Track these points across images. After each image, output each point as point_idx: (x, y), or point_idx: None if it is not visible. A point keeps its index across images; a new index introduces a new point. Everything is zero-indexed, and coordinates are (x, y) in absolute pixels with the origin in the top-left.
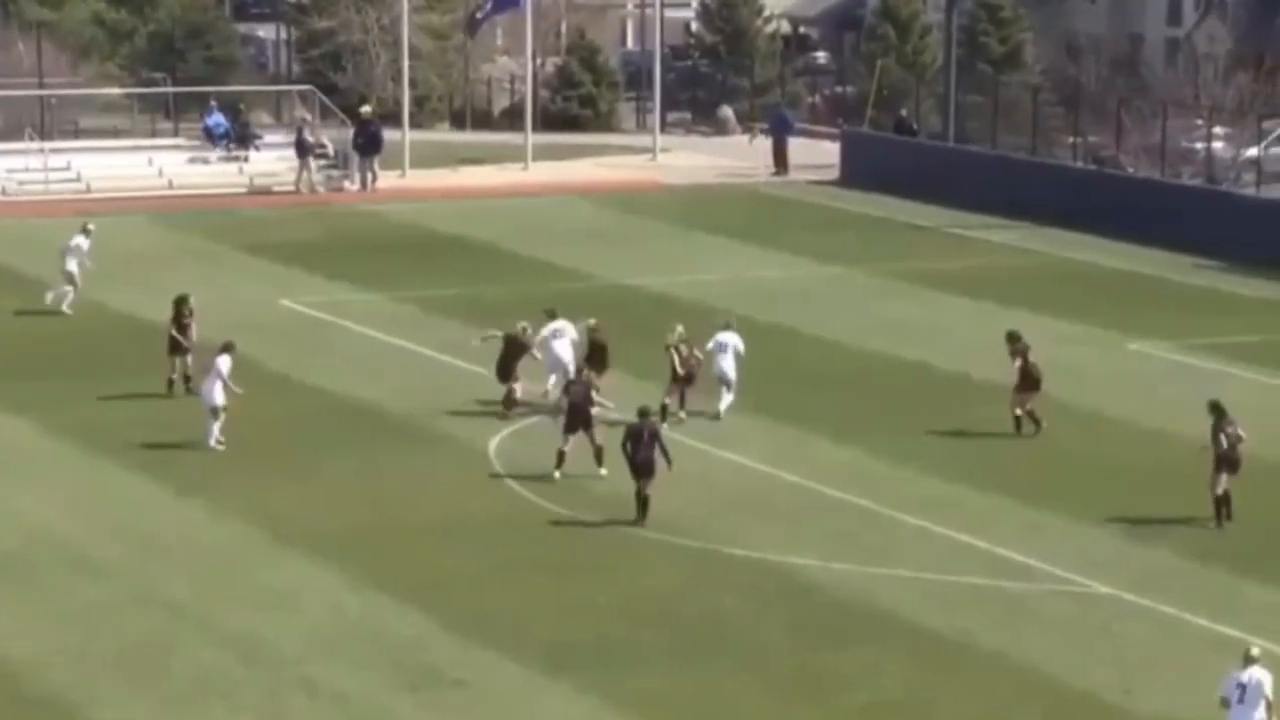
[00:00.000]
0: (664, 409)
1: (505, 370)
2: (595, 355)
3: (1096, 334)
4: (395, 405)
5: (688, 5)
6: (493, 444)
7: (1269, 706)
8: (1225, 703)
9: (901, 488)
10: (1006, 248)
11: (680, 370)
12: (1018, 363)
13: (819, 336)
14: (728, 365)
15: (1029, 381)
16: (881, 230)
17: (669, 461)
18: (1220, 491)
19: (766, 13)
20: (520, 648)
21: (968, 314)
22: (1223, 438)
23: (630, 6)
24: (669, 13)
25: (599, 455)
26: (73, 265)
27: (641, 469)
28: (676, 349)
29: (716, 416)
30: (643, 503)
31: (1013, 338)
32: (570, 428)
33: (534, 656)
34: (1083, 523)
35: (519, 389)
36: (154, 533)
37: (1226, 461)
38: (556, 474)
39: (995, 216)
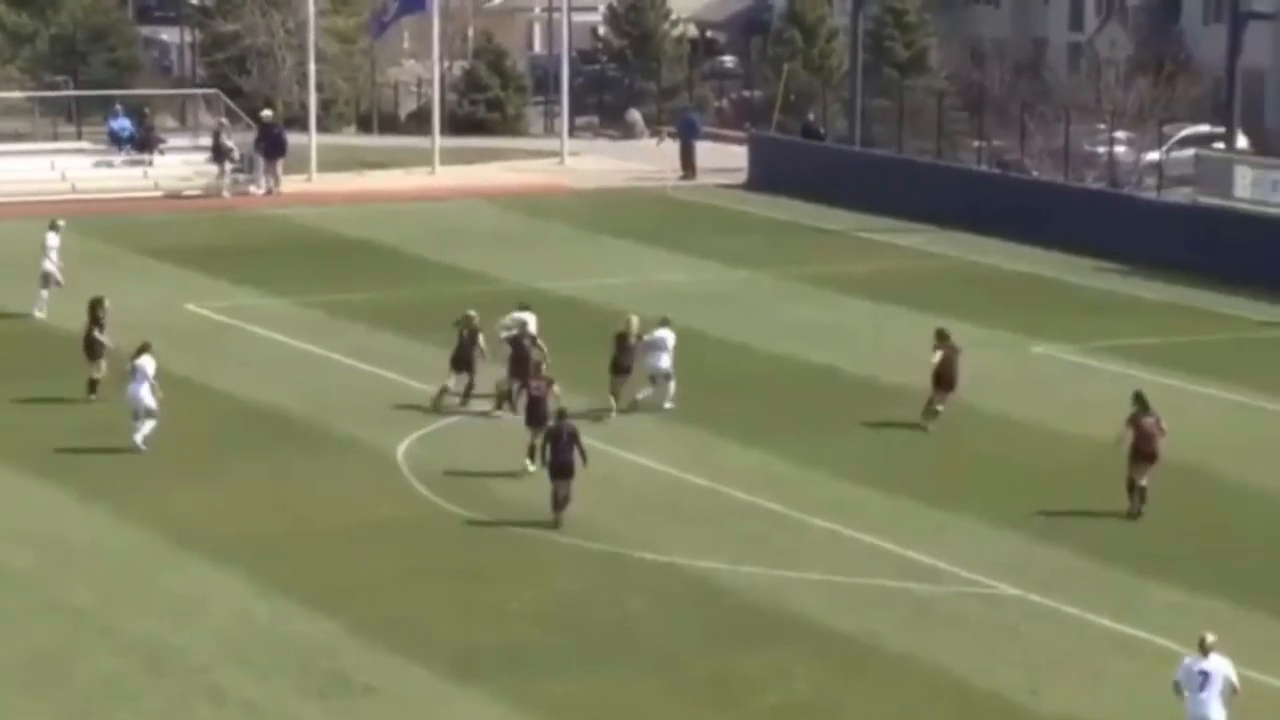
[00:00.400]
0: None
1: (460, 360)
2: (518, 357)
3: (1001, 337)
4: (302, 410)
5: (595, 9)
6: (401, 448)
7: (1235, 691)
8: (1178, 688)
9: (810, 490)
10: (912, 251)
11: (610, 360)
12: (937, 355)
13: (726, 339)
14: (660, 361)
15: (942, 380)
16: (788, 234)
17: (584, 460)
18: (1140, 482)
19: (674, 17)
20: (429, 653)
21: (874, 317)
22: (1131, 428)
23: (537, 10)
24: (576, 17)
25: (532, 451)
26: (49, 265)
27: (561, 470)
28: (623, 339)
29: (631, 407)
30: (560, 503)
31: (940, 335)
32: (531, 421)
33: (443, 662)
34: (990, 524)
35: (451, 384)
36: (57, 538)
37: (1140, 453)
38: (530, 466)
39: (901, 220)
